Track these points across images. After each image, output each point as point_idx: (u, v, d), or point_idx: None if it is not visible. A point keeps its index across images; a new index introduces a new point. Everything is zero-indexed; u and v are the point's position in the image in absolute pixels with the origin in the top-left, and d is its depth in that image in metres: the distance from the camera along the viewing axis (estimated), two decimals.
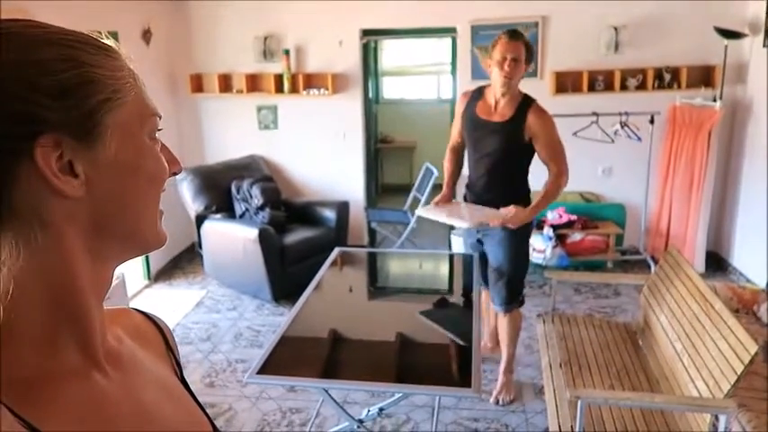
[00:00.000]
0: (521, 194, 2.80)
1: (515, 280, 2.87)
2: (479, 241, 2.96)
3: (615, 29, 4.51)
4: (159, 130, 0.55)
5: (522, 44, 2.56)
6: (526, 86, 4.74)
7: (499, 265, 2.83)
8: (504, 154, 2.68)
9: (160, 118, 0.55)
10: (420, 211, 3.01)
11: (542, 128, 2.62)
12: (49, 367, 0.49)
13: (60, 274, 0.49)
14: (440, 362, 2.37)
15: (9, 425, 0.43)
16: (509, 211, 2.66)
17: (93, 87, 0.48)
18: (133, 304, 3.99)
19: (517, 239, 2.78)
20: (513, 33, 2.59)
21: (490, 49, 2.64)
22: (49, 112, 0.45)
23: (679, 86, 4.49)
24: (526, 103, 2.65)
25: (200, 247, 4.55)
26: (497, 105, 2.68)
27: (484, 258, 2.99)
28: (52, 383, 0.48)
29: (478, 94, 2.78)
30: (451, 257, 4.03)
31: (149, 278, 4.65)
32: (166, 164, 0.55)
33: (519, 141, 2.64)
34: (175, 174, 0.57)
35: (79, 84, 0.47)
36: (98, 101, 0.48)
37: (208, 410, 0.66)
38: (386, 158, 7.32)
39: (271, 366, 2.09)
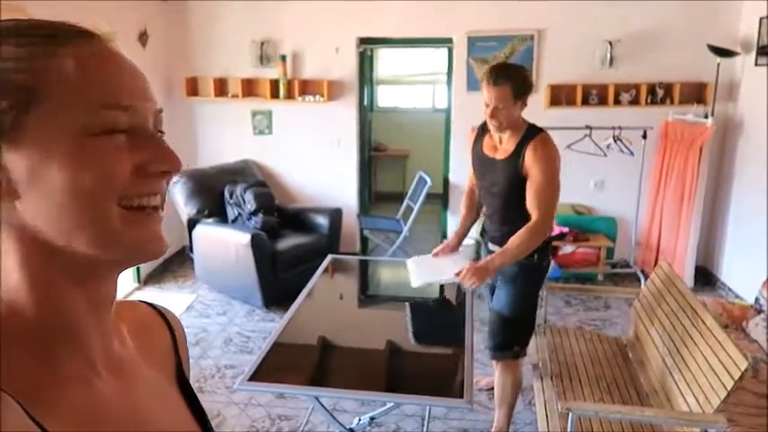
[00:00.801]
0: None
1: (513, 325, 2.53)
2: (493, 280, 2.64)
3: (610, 43, 4.56)
4: (139, 125, 0.50)
5: (505, 88, 2.27)
6: None
7: (500, 306, 2.54)
8: (509, 192, 2.42)
9: (127, 109, 0.49)
10: (409, 263, 2.73)
11: (533, 166, 2.33)
12: (47, 373, 0.48)
13: (27, 284, 0.49)
14: (431, 371, 2.37)
15: (22, 423, 0.43)
16: (462, 270, 2.36)
17: (7, 87, 0.45)
18: None
19: (525, 284, 2.49)
20: (498, 76, 2.29)
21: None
22: None
23: (672, 102, 4.54)
24: (528, 136, 2.37)
25: (192, 251, 4.52)
26: (501, 140, 2.44)
27: None
28: (51, 389, 0.48)
29: (483, 129, 2.53)
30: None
31: (139, 281, 4.62)
32: (129, 162, 0.49)
33: (521, 179, 2.37)
34: (168, 172, 0.51)
35: None
36: (12, 101, 0.45)
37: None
38: (379, 166, 7.33)
39: (261, 373, 2.08)
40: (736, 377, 1.84)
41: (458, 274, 2.37)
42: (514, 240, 2.33)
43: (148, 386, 0.59)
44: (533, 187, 2.33)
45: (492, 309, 2.59)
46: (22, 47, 0.46)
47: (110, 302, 0.55)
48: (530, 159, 2.32)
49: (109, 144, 0.48)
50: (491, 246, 2.57)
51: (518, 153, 2.35)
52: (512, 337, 2.55)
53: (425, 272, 2.59)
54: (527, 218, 2.36)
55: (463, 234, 2.80)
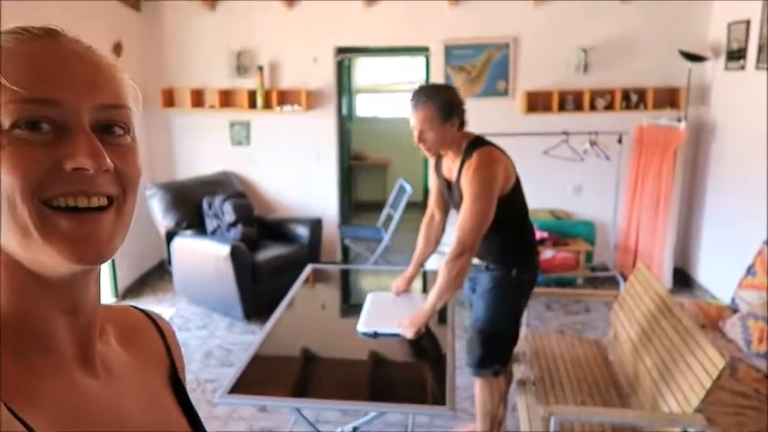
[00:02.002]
0: (505, 254, 2.37)
1: (490, 341, 2.39)
2: (473, 290, 2.52)
3: (584, 50, 4.63)
4: (72, 121, 0.48)
5: (428, 110, 2.16)
6: (497, 106, 4.83)
7: (476, 320, 2.41)
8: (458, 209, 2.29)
9: (54, 104, 0.47)
10: (368, 298, 2.65)
11: (465, 183, 2.18)
12: (23, 371, 0.48)
13: (4, 291, 0.49)
14: (414, 379, 2.35)
15: (8, 422, 0.42)
16: (403, 325, 2.30)
17: None
18: None
19: (500, 297, 2.36)
20: (418, 100, 2.19)
21: None
22: None
23: (645, 107, 4.62)
24: (466, 155, 2.22)
25: (170, 264, 4.46)
26: (453, 162, 2.31)
27: None
28: (28, 386, 0.47)
29: None
30: (425, 274, 4.03)
31: (117, 295, 4.54)
32: (31, 163, 0.46)
33: None
34: (83, 169, 0.47)
35: None
36: None
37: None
38: (360, 175, 7.33)
39: (242, 386, 2.05)
40: (715, 376, 1.86)
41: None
42: (439, 275, 2.21)
43: (137, 387, 0.59)
44: (464, 204, 2.18)
45: (471, 321, 2.47)
46: None
47: (87, 306, 0.53)
48: (463, 180, 2.20)
49: (27, 139, 0.46)
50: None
51: (459, 173, 2.24)
52: (489, 353, 2.40)
53: (374, 318, 2.44)
54: (499, 232, 2.25)
55: (419, 266, 2.69)
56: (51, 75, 0.48)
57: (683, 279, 4.72)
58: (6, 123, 0.45)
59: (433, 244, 2.69)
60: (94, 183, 0.48)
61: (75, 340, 0.53)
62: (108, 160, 0.49)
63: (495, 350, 2.42)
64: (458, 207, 2.31)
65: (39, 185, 0.46)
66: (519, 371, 2.72)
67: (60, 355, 0.51)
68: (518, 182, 2.34)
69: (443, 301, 2.26)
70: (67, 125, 0.48)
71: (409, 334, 2.27)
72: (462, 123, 2.26)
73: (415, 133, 2.23)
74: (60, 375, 0.50)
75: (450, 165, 2.33)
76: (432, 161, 2.48)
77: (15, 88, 0.45)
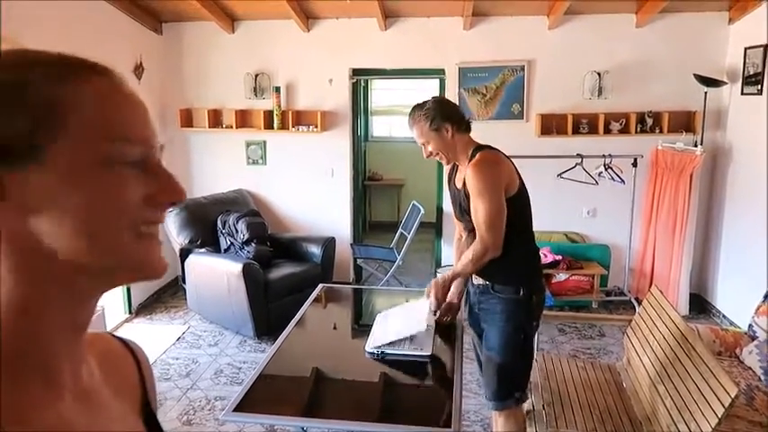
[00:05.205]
0: (510, 271, 2.32)
1: (509, 370, 2.32)
2: (476, 313, 2.46)
3: (599, 74, 4.63)
4: (149, 157, 0.53)
5: (420, 124, 2.28)
6: (511, 128, 4.84)
7: (491, 350, 2.34)
8: (471, 221, 2.29)
9: (138, 143, 0.52)
10: (377, 319, 2.66)
11: (470, 184, 2.22)
12: (14, 399, 0.48)
13: (17, 298, 0.49)
14: (421, 401, 2.33)
15: None
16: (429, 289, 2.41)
17: (26, 110, 0.47)
18: None
19: (512, 322, 2.30)
20: (410, 118, 2.33)
21: None
22: None
23: (661, 131, 4.59)
24: (471, 158, 2.28)
25: (184, 281, 4.50)
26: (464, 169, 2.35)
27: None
28: (17, 414, 0.48)
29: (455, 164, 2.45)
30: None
31: (131, 312, 4.58)
32: (142, 190, 0.52)
33: None
34: (173, 203, 0.56)
35: (11, 105, 0.47)
36: (31, 123, 0.47)
37: None
38: (374, 195, 7.36)
39: (249, 404, 2.05)
40: (727, 404, 1.82)
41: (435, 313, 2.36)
42: (463, 258, 2.29)
43: (112, 415, 0.59)
44: (474, 205, 2.22)
45: (483, 352, 2.41)
46: (48, 77, 0.49)
47: (86, 328, 0.55)
48: (468, 179, 2.24)
49: (123, 174, 0.51)
50: (474, 278, 2.44)
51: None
52: (509, 382, 2.32)
53: (380, 335, 2.43)
54: (509, 246, 2.24)
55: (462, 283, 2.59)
56: (133, 116, 0.54)
57: (699, 304, 4.64)
58: (107, 158, 0.50)
59: None
60: (164, 213, 0.56)
61: (70, 366, 0.54)
62: None
63: (514, 379, 2.34)
64: (465, 212, 2.32)
65: (133, 215, 0.52)
66: (527, 401, 2.67)
67: (55, 383, 0.52)
68: (523, 191, 2.31)
69: (459, 275, 2.37)
70: (148, 161, 0.54)
71: (432, 297, 2.38)
72: (461, 128, 2.31)
73: (422, 149, 2.36)
74: (50, 405, 0.51)
75: (463, 172, 2.36)
76: (446, 176, 2.53)
77: (113, 127, 0.51)
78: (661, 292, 2.76)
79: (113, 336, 0.69)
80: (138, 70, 4.56)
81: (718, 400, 1.88)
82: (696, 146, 4.24)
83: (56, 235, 0.49)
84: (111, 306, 4.31)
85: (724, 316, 4.37)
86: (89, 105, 0.50)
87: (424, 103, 2.37)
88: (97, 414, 0.56)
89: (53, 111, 0.48)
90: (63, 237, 0.49)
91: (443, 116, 2.28)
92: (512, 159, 2.34)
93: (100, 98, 0.51)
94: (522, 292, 2.29)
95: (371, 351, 2.38)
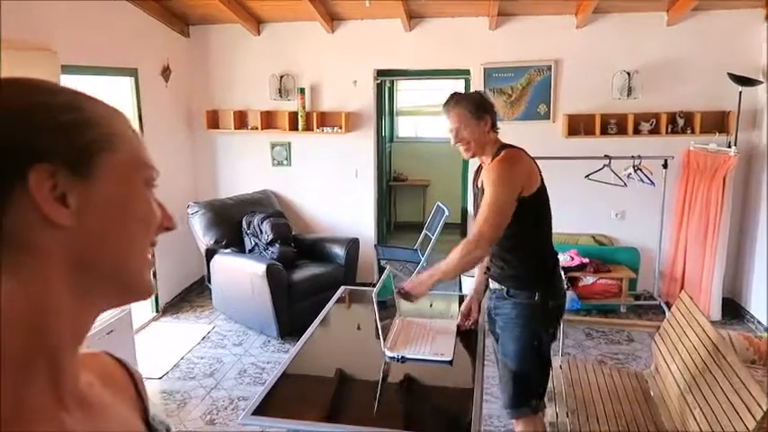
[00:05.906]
0: (526, 276, 2.30)
1: (523, 376, 2.28)
2: (494, 318, 2.43)
3: (628, 73, 4.53)
4: (154, 185, 0.58)
5: (460, 108, 2.24)
6: (537, 129, 4.77)
7: (506, 356, 2.31)
8: None
9: (157, 174, 0.59)
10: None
11: (486, 176, 2.20)
12: (20, 402, 0.49)
13: (40, 303, 0.50)
14: (441, 407, 2.30)
15: None
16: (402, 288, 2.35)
17: (90, 129, 0.53)
18: (139, 337, 3.98)
19: (526, 328, 2.26)
20: (449, 102, 2.29)
21: None
22: (46, 143, 0.50)
23: (693, 131, 4.47)
24: (496, 155, 2.25)
25: (209, 281, 4.55)
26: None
27: None
28: (19, 423, 0.48)
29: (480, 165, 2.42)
30: (461, 298, 3.97)
31: (157, 311, 4.65)
32: (159, 213, 0.58)
33: None
34: (168, 229, 0.60)
35: (77, 124, 0.52)
36: (93, 140, 0.52)
37: None
38: (399, 196, 7.35)
39: (269, 406, 2.04)
40: (759, 417, 1.75)
41: (399, 292, 2.32)
42: (450, 254, 2.19)
43: (114, 420, 0.60)
44: (484, 200, 2.17)
45: (499, 358, 2.39)
46: (101, 107, 0.56)
47: (82, 342, 0.56)
48: (484, 176, 2.22)
49: (150, 196, 0.58)
50: (491, 283, 2.42)
51: None
52: (524, 389, 2.28)
53: (401, 343, 2.44)
54: (523, 250, 2.25)
55: (481, 292, 2.59)
56: (144, 148, 0.59)
57: (732, 309, 4.51)
58: (144, 180, 0.57)
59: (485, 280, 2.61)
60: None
61: (71, 374, 0.55)
62: None
63: (529, 385, 2.29)
64: None
65: (153, 232, 0.58)
66: (548, 412, 2.62)
67: (58, 390, 0.52)
68: (542, 192, 2.25)
69: (442, 279, 2.24)
70: (150, 186, 0.59)
71: (403, 293, 2.30)
72: (494, 125, 2.28)
73: (452, 135, 2.28)
74: (51, 414, 0.51)
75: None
76: (470, 177, 2.49)
77: (142, 153, 0.58)
78: (691, 298, 2.68)
79: (106, 353, 0.71)
80: (166, 73, 4.62)
81: (750, 412, 1.81)
82: (730, 147, 4.12)
83: (95, 244, 0.52)
84: (139, 305, 4.38)
85: (759, 322, 4.23)
86: (128, 134, 0.57)
87: (466, 92, 2.38)
88: (99, 420, 0.57)
89: (106, 131, 0.54)
90: (102, 246, 0.53)
91: (486, 108, 2.27)
92: (536, 161, 2.29)
93: (130, 129, 0.58)
94: (536, 297, 2.24)
95: (392, 356, 2.36)
